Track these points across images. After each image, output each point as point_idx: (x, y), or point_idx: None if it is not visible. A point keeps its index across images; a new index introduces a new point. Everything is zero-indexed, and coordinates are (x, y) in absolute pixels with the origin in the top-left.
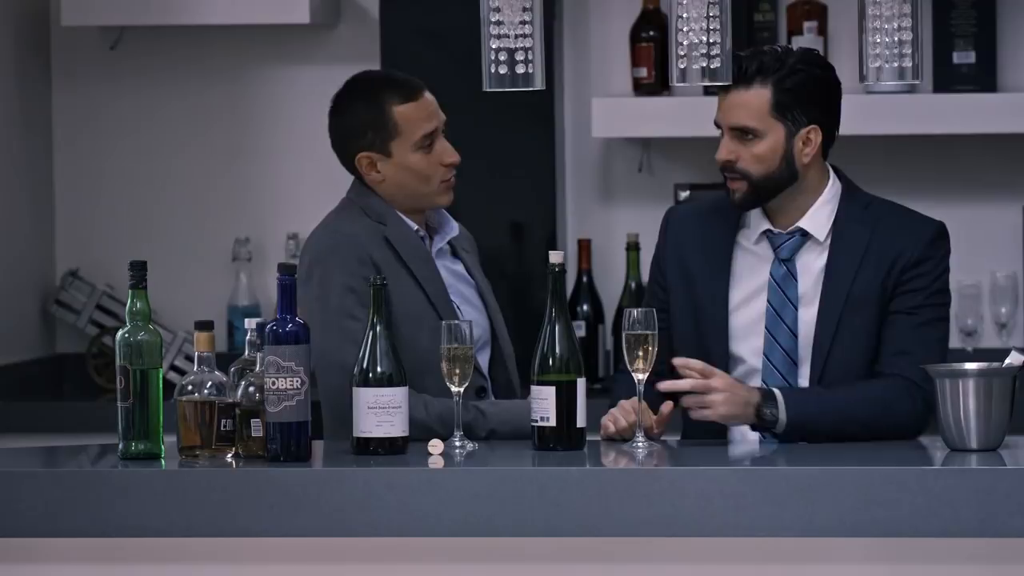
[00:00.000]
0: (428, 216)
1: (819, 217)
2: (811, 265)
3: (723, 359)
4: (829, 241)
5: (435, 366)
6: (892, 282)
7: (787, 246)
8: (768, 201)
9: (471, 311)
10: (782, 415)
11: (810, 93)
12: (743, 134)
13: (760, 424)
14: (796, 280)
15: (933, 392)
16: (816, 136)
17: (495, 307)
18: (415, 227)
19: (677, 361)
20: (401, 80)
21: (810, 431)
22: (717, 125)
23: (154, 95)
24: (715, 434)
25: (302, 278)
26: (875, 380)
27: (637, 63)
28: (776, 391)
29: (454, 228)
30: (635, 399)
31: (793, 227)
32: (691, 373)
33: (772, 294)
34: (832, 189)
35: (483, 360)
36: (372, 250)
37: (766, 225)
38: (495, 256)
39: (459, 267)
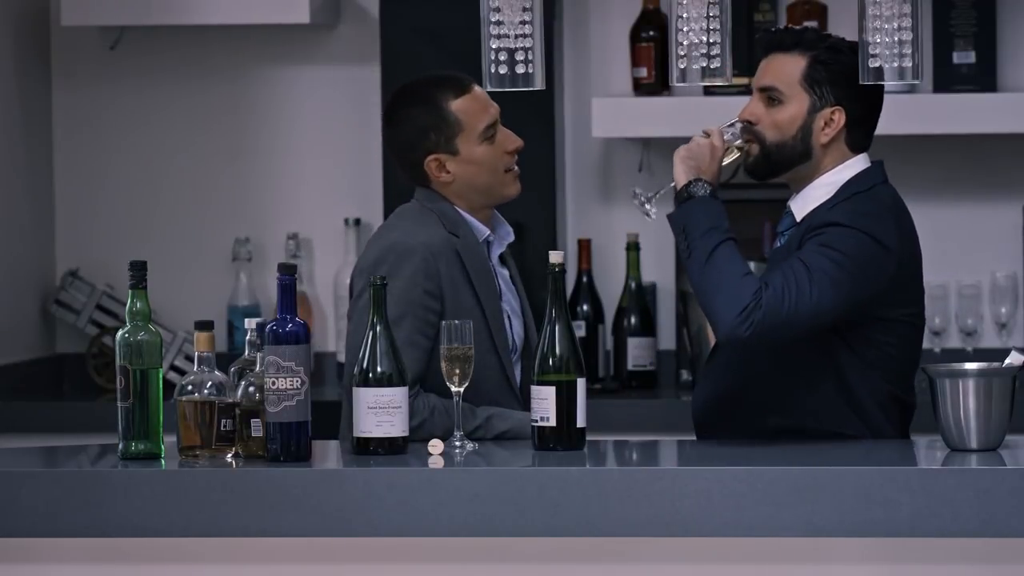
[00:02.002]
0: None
1: (807, 199)
2: None
3: None
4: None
5: (477, 381)
6: (801, 241)
7: (783, 221)
8: (780, 173)
9: (516, 323)
10: (695, 198)
11: (843, 74)
12: (770, 98)
13: (680, 190)
14: None
15: (778, 321)
16: (839, 118)
17: (530, 316)
18: (486, 232)
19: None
20: (449, 77)
21: (683, 230)
22: (749, 91)
23: (154, 95)
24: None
25: (362, 269)
26: (749, 272)
27: (637, 63)
28: (711, 194)
29: (510, 234)
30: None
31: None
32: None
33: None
34: (837, 174)
35: (520, 372)
36: (441, 262)
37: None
38: None
39: (507, 275)
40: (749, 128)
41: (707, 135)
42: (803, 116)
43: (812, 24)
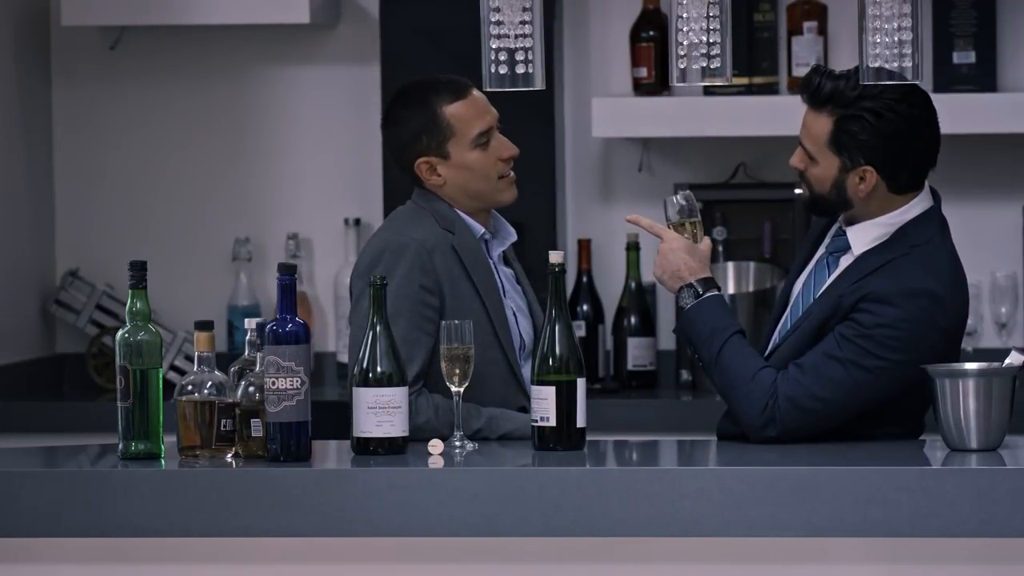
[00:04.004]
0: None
1: (865, 233)
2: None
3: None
4: (860, 255)
5: (481, 376)
6: (851, 307)
7: (835, 241)
8: (831, 214)
9: (523, 321)
10: (686, 310)
11: (870, 138)
12: (807, 154)
13: (677, 306)
14: (828, 273)
15: (797, 423)
16: (871, 177)
17: (539, 315)
18: (482, 230)
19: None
20: (447, 81)
21: (689, 341)
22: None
23: (154, 95)
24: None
25: (359, 272)
26: (762, 366)
27: (637, 63)
28: (705, 293)
29: (512, 234)
30: None
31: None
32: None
33: (807, 278)
34: (897, 216)
35: (528, 371)
36: (437, 257)
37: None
38: None
39: (511, 274)
40: (800, 174)
41: (662, 235)
42: (834, 175)
43: (812, 23)
